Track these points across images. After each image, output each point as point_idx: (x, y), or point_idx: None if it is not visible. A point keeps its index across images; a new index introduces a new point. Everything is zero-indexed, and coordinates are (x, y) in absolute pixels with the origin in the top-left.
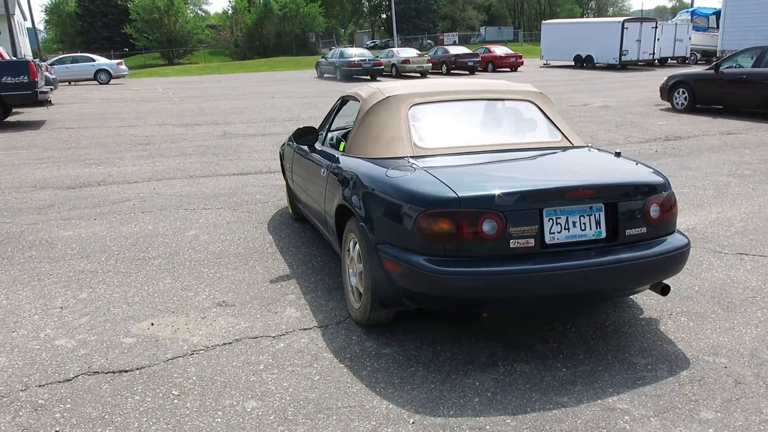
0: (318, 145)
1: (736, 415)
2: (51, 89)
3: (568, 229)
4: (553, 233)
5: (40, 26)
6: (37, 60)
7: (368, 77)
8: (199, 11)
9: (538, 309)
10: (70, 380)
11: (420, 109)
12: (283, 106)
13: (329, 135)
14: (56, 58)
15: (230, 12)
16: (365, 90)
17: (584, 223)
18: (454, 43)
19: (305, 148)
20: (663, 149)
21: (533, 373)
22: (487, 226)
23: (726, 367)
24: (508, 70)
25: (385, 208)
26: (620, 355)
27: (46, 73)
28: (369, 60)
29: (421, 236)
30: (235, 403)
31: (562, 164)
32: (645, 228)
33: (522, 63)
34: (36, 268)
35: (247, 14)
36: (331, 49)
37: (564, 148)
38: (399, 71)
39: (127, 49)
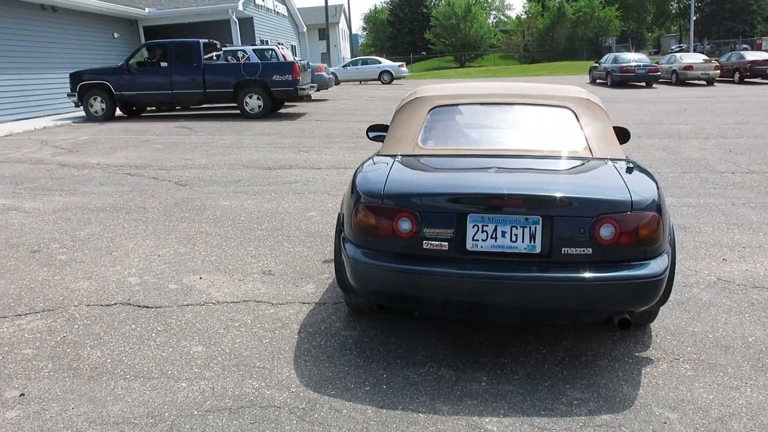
0: None
1: None
2: (312, 86)
3: (496, 238)
4: (477, 240)
5: (360, 32)
6: (306, 61)
7: (642, 84)
8: (502, 17)
9: (460, 314)
10: (109, 305)
11: (442, 111)
12: None
13: None
14: (350, 60)
15: (524, 17)
16: (410, 92)
17: (516, 235)
18: None
19: None
20: None
21: (449, 380)
22: (402, 225)
23: (666, 423)
24: None
25: (345, 199)
26: (560, 385)
27: (322, 73)
28: (644, 66)
29: (355, 227)
30: (188, 345)
31: (535, 174)
32: (590, 249)
33: None
34: (176, 226)
35: (540, 19)
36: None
37: (574, 159)
38: (680, 78)
39: (424, 53)
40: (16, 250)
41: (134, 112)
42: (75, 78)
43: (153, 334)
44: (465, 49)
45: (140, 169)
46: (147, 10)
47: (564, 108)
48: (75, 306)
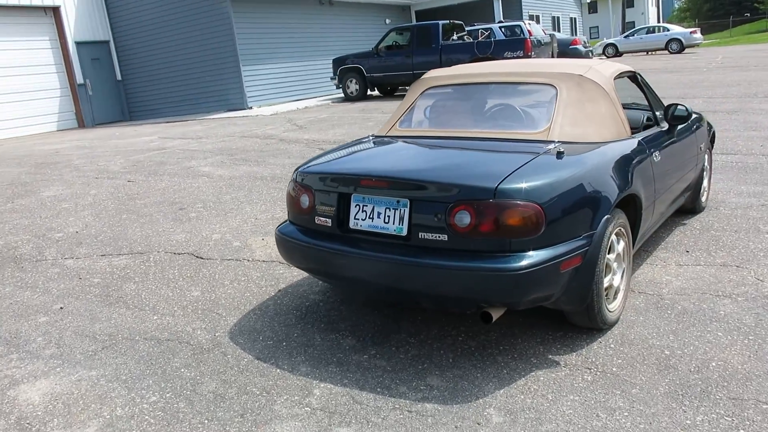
0: None
1: None
2: None
3: (372, 218)
4: (358, 219)
5: None
6: (550, 34)
7: None
8: None
9: (343, 287)
10: (179, 254)
11: (431, 93)
12: None
13: None
14: (633, 29)
15: None
16: None
17: (389, 216)
18: None
19: None
20: None
21: (341, 348)
22: (304, 201)
23: (479, 424)
24: None
25: None
26: (429, 370)
27: (578, 46)
28: None
29: (286, 201)
30: (191, 290)
31: (447, 156)
32: (446, 236)
33: None
34: None
35: None
36: None
37: (518, 141)
38: None
39: (748, 14)
40: (171, 207)
41: (388, 91)
42: (337, 63)
43: (179, 279)
44: None
45: (332, 144)
46: None
47: (547, 85)
48: (157, 252)
